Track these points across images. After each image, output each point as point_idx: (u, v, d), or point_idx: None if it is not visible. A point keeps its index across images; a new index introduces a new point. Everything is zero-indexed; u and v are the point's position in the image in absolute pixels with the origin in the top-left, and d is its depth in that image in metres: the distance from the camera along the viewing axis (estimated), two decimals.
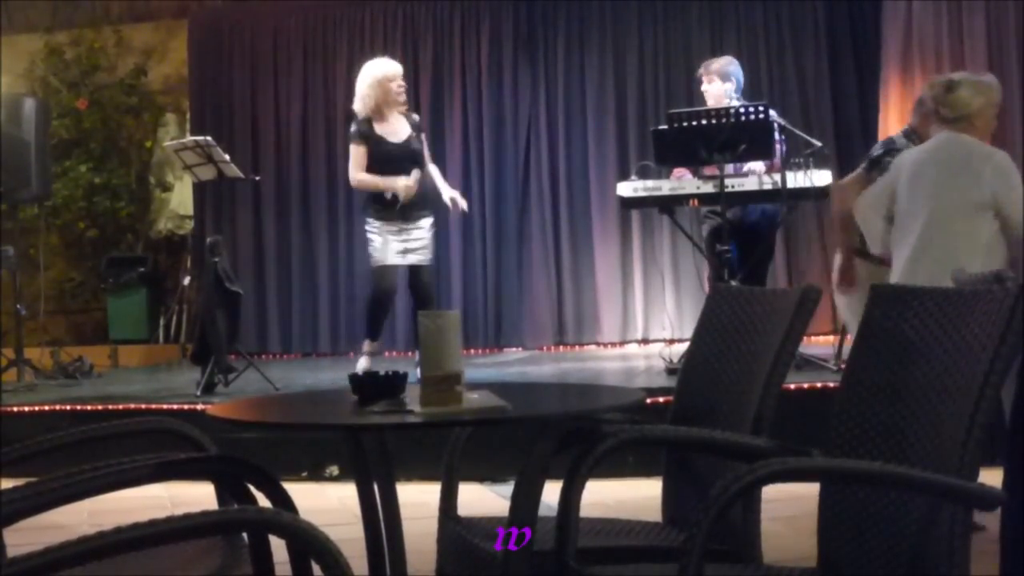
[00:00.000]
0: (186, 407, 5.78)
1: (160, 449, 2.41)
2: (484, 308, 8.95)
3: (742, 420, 2.51)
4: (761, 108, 6.01)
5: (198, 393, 6.13)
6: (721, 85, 6.49)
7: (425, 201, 6.56)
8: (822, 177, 6.13)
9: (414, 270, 6.50)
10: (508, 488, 3.68)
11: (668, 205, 6.50)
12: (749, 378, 2.57)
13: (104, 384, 7.43)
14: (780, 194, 6.10)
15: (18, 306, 7.71)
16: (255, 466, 2.29)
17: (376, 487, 2.51)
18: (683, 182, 6.39)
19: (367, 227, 6.54)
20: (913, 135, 4.80)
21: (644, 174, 6.54)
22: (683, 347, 5.86)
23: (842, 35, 8.62)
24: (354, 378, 2.51)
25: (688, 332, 3.38)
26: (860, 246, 4.85)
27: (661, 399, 4.71)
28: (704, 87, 6.60)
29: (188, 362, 7.12)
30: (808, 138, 6.38)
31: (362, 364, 6.52)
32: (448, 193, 6.57)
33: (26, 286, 8.63)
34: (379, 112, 6.50)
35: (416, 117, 6.71)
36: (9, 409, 6.09)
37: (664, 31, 8.88)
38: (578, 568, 2.27)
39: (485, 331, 8.93)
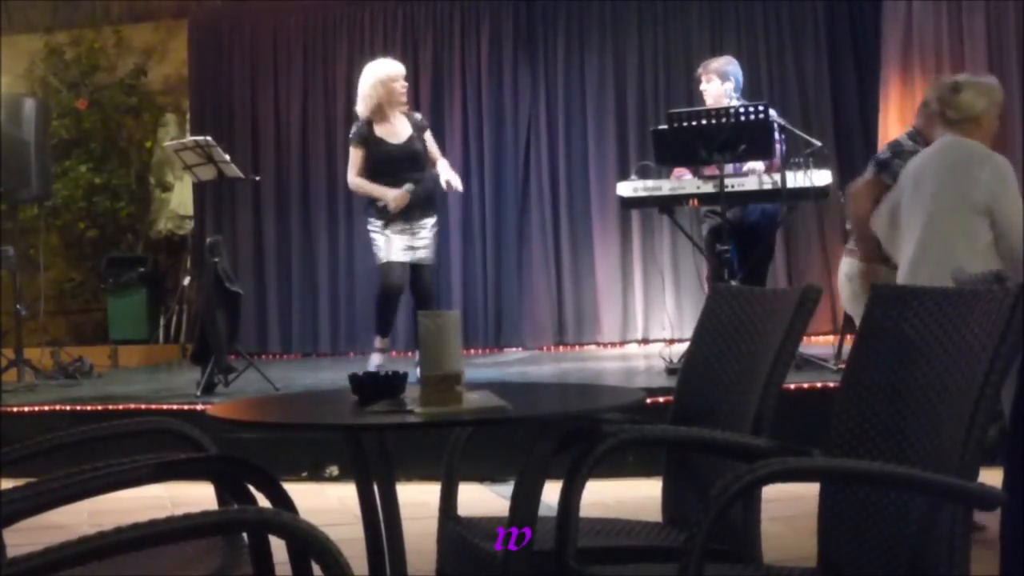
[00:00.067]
0: (186, 407, 5.79)
1: (160, 449, 2.41)
2: (484, 308, 8.95)
3: (742, 420, 2.51)
4: (761, 108, 6.01)
5: (198, 393, 6.13)
6: (720, 85, 6.50)
7: (428, 202, 6.56)
8: (822, 177, 6.14)
9: (416, 269, 6.50)
10: (508, 488, 3.68)
11: (668, 205, 6.50)
12: (749, 378, 2.57)
13: (104, 384, 7.43)
14: (780, 194, 6.10)
15: (18, 306, 7.71)
16: (255, 466, 2.29)
17: (376, 487, 2.51)
18: (683, 182, 6.39)
19: (369, 227, 6.54)
20: (918, 136, 4.79)
21: (644, 174, 6.54)
22: (683, 347, 5.86)
23: (842, 35, 8.62)
24: (354, 378, 2.52)
25: (688, 332, 3.38)
26: (879, 251, 4.84)
27: (661, 399, 4.71)
28: (703, 86, 6.60)
29: (188, 362, 7.11)
30: (808, 138, 6.39)
31: (375, 361, 6.53)
32: (445, 175, 6.52)
33: (26, 286, 8.63)
34: (381, 113, 6.50)
35: (418, 116, 6.71)
36: (9, 409, 6.09)
37: (664, 31, 8.88)
38: (578, 568, 2.27)
39: (485, 331, 8.93)
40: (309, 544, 1.79)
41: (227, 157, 6.57)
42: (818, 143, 6.31)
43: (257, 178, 8.17)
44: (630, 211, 8.08)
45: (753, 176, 6.23)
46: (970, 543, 2.01)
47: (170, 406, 5.92)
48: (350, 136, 6.65)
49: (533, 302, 8.90)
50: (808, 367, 5.99)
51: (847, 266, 5.13)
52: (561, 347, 8.86)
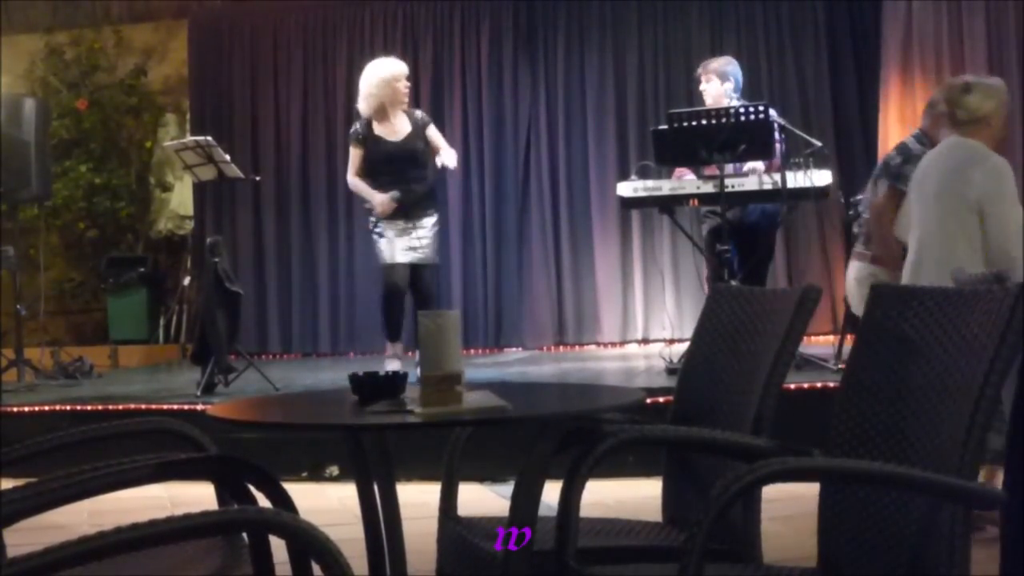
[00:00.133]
0: (186, 407, 5.78)
1: (160, 449, 2.41)
2: (484, 308, 8.95)
3: (742, 420, 2.51)
4: (761, 108, 6.01)
5: (198, 393, 6.13)
6: (719, 85, 6.50)
7: (429, 200, 6.57)
8: (822, 177, 6.13)
9: (416, 269, 6.51)
10: (508, 488, 3.68)
11: (668, 205, 6.50)
12: (749, 378, 2.57)
13: (104, 384, 7.43)
14: (780, 194, 6.10)
15: (18, 306, 7.71)
16: (255, 466, 2.29)
17: (376, 487, 2.51)
18: (683, 182, 6.39)
19: (371, 228, 6.55)
20: (924, 138, 4.78)
21: (644, 174, 6.54)
22: (683, 347, 5.86)
23: (842, 35, 8.62)
24: (354, 378, 2.52)
25: (688, 332, 3.38)
26: (902, 258, 4.83)
27: (661, 399, 4.71)
28: (702, 86, 6.61)
29: (188, 362, 7.11)
30: (808, 138, 6.38)
31: (393, 367, 6.52)
32: (440, 158, 6.48)
33: (26, 286, 8.63)
34: (383, 112, 6.51)
35: (419, 113, 6.71)
36: (9, 409, 6.09)
37: (664, 31, 8.88)
38: (578, 568, 2.27)
39: (485, 331, 8.92)
40: (309, 544, 1.79)
41: (227, 157, 6.57)
42: (818, 143, 6.30)
43: (257, 178, 8.17)
44: (630, 211, 8.08)
45: (753, 176, 6.23)
46: (970, 543, 2.01)
47: (170, 406, 5.92)
48: (349, 134, 6.67)
49: (533, 302, 8.90)
50: (808, 367, 5.99)
51: (856, 270, 5.11)
52: (561, 347, 8.86)
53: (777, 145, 6.07)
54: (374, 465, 2.51)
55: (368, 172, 6.55)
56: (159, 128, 9.91)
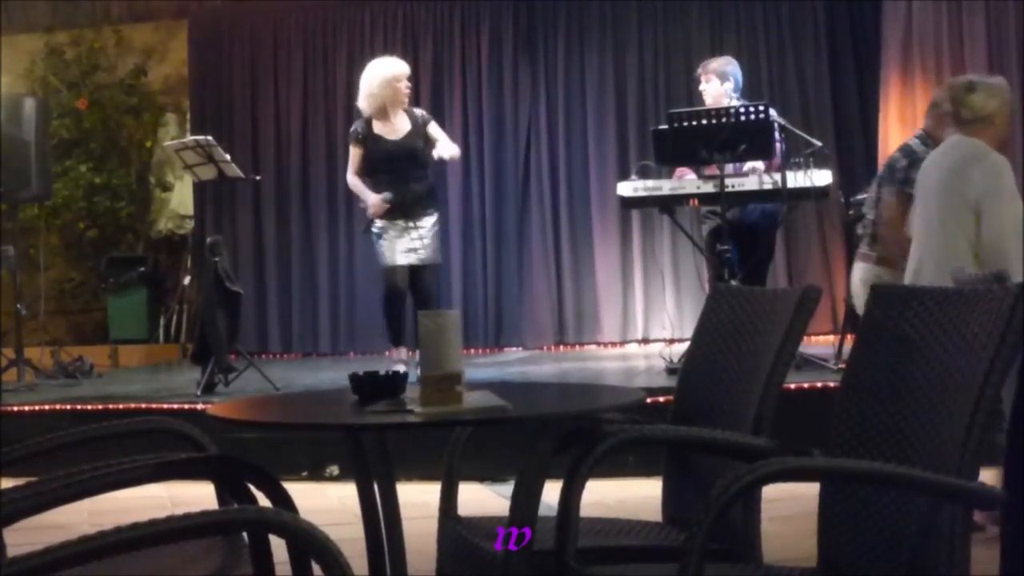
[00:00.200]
0: (186, 407, 5.78)
1: (160, 449, 2.41)
2: (484, 308, 8.95)
3: (742, 420, 2.51)
4: (761, 108, 6.01)
5: (198, 393, 6.13)
6: (719, 85, 6.49)
7: (429, 200, 6.57)
8: (822, 177, 6.13)
9: (415, 270, 6.51)
10: (508, 488, 3.68)
11: (668, 205, 6.50)
12: (749, 378, 2.57)
13: (104, 384, 7.42)
14: (780, 194, 6.10)
15: (18, 306, 7.70)
16: (255, 466, 2.29)
17: (376, 487, 2.51)
18: (683, 182, 6.39)
19: (372, 227, 6.56)
20: (928, 139, 4.76)
21: (644, 174, 6.54)
22: (683, 347, 5.86)
23: (842, 35, 8.62)
24: (354, 378, 2.52)
25: (688, 332, 3.38)
26: None
27: (661, 399, 4.71)
28: (702, 86, 6.61)
29: (188, 362, 7.12)
30: (808, 138, 6.38)
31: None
32: (438, 151, 6.48)
33: (26, 286, 8.62)
34: (383, 111, 6.51)
35: (420, 112, 6.70)
36: (9, 409, 6.09)
37: (664, 31, 8.88)
38: (578, 568, 2.27)
39: (485, 331, 8.93)
40: (309, 544, 1.79)
41: (227, 157, 6.57)
42: (818, 143, 6.30)
43: (257, 178, 8.16)
44: (630, 211, 8.08)
45: (753, 176, 6.22)
46: (970, 543, 2.01)
47: (170, 406, 5.92)
48: (349, 133, 6.69)
49: (533, 302, 8.90)
50: (808, 367, 5.99)
51: (861, 271, 5.10)
52: (561, 347, 8.86)
53: (777, 145, 6.07)
54: (374, 465, 2.52)
55: (367, 171, 6.56)
56: (159, 128, 9.91)
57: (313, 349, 9.21)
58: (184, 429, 2.63)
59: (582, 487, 2.31)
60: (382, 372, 2.57)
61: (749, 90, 7.35)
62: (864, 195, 6.43)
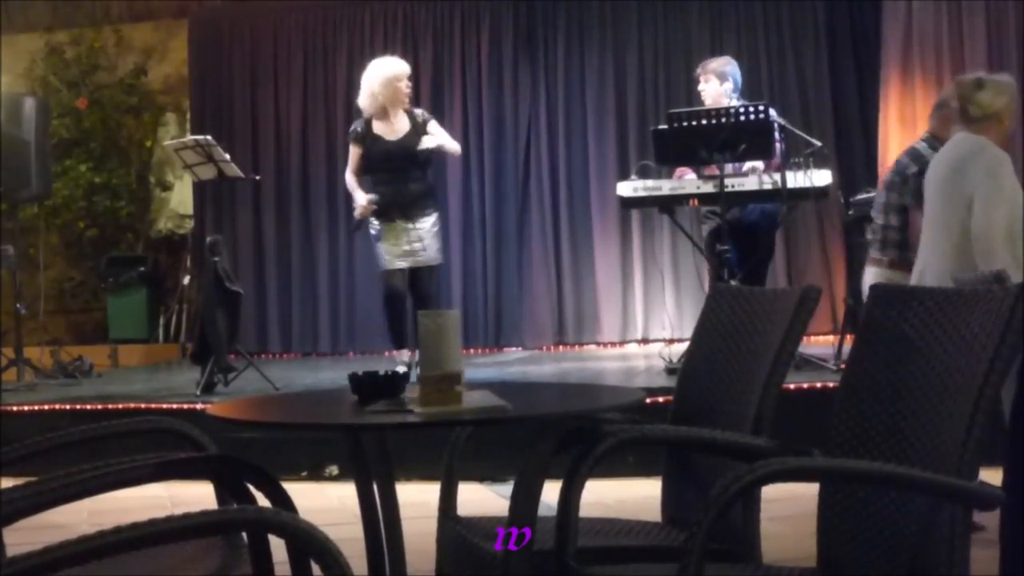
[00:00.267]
0: (186, 407, 5.78)
1: (160, 449, 2.41)
2: (484, 308, 8.95)
3: (742, 420, 2.51)
4: (761, 108, 6.01)
5: (198, 393, 6.13)
6: (718, 85, 6.49)
7: (428, 200, 6.56)
8: (822, 177, 6.13)
9: (414, 271, 6.51)
10: (508, 488, 3.67)
11: (668, 205, 6.50)
12: (749, 378, 2.57)
13: (104, 384, 7.42)
14: (780, 194, 6.10)
15: (18, 305, 7.70)
16: (255, 466, 2.29)
17: (376, 487, 2.51)
18: (683, 182, 6.39)
19: (371, 228, 6.57)
20: (934, 141, 4.75)
21: (644, 174, 6.54)
22: (683, 347, 5.86)
23: (842, 35, 8.62)
24: (354, 378, 2.51)
25: (688, 332, 3.38)
26: None
27: (661, 399, 4.71)
28: (701, 87, 6.60)
29: (188, 362, 7.11)
30: (808, 138, 6.38)
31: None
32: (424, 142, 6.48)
33: (26, 285, 8.62)
34: (383, 111, 6.52)
35: (420, 112, 6.70)
36: (9, 409, 6.09)
37: (664, 31, 8.87)
38: (578, 568, 2.27)
39: (485, 331, 8.92)
40: (309, 544, 1.79)
41: (227, 156, 6.57)
42: (818, 143, 6.30)
43: (257, 178, 8.17)
44: (630, 211, 8.08)
45: (753, 176, 6.22)
46: (970, 543, 2.01)
47: (170, 405, 5.92)
48: (349, 132, 6.70)
49: (533, 302, 8.90)
50: (808, 367, 5.99)
51: (872, 276, 5.07)
52: (561, 347, 8.86)
53: (777, 145, 6.07)
54: (374, 465, 2.51)
55: (366, 170, 6.57)
56: (159, 127, 9.91)
57: (313, 349, 9.21)
58: (184, 429, 2.63)
59: (582, 487, 2.31)
60: (382, 372, 2.56)
61: (749, 90, 7.35)
62: (864, 195, 6.44)
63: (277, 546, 2.06)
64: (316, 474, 5.59)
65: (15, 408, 6.12)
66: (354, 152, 6.58)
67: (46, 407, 6.12)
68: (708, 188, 6.21)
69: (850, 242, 7.90)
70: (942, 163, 4.24)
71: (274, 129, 9.35)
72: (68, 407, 6.09)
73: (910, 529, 2.06)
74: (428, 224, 6.51)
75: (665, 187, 6.41)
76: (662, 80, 8.83)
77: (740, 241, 6.28)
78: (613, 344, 8.76)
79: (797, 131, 6.43)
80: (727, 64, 6.62)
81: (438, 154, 6.64)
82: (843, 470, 2.17)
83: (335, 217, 9.14)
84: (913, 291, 2.31)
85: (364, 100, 6.55)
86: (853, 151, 8.40)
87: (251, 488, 2.28)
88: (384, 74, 6.51)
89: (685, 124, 6.01)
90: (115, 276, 9.41)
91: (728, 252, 6.05)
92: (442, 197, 8.16)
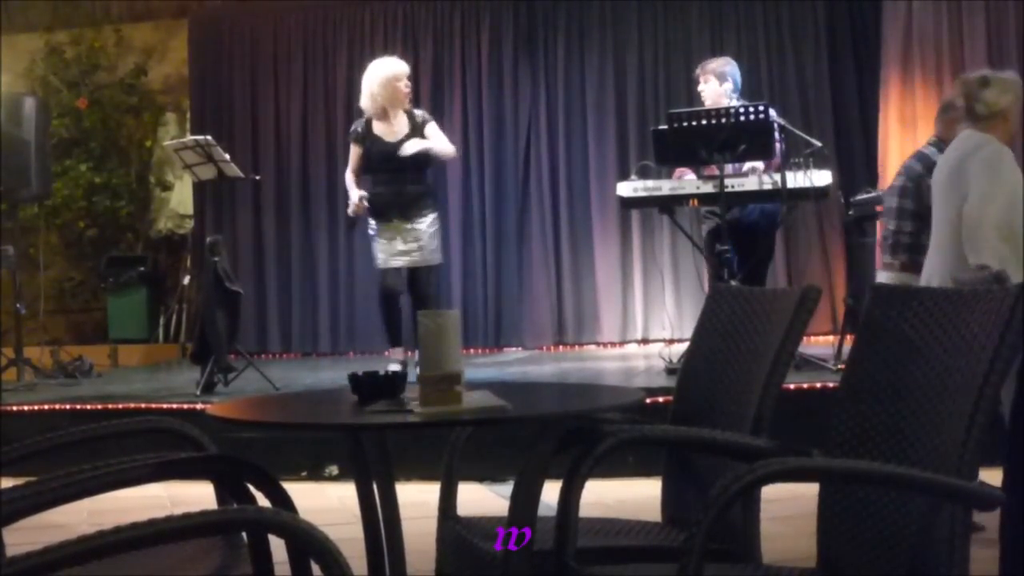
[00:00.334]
0: (186, 407, 5.78)
1: (160, 449, 2.41)
2: (484, 308, 8.95)
3: (742, 420, 2.51)
4: (761, 108, 6.01)
5: (198, 393, 6.13)
6: (718, 85, 6.49)
7: (426, 200, 6.57)
8: (822, 177, 6.13)
9: (412, 271, 6.52)
10: (508, 488, 3.67)
11: (668, 205, 6.50)
12: (749, 378, 2.57)
13: (104, 384, 7.42)
14: (780, 194, 6.10)
15: (18, 305, 7.70)
16: (255, 466, 2.29)
17: (376, 487, 2.50)
18: (683, 182, 6.39)
19: (369, 228, 6.58)
20: (941, 144, 4.74)
21: (644, 174, 6.54)
22: (683, 347, 5.86)
23: (842, 35, 8.61)
24: (354, 378, 2.51)
25: (688, 332, 3.38)
26: None
27: (661, 399, 4.71)
28: (700, 87, 6.60)
29: (188, 362, 7.11)
30: (808, 138, 6.38)
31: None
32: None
33: (26, 285, 8.62)
34: (383, 112, 6.52)
35: (420, 113, 6.71)
36: (9, 408, 6.09)
37: (664, 31, 8.87)
38: (578, 568, 2.27)
39: (485, 331, 8.92)
40: (308, 544, 1.79)
41: (227, 156, 6.57)
42: (818, 143, 6.30)
43: (257, 178, 8.17)
44: (630, 211, 8.08)
45: (753, 176, 6.22)
46: (970, 543, 2.01)
47: (170, 405, 5.92)
48: (349, 132, 6.72)
49: (533, 302, 8.90)
50: (808, 367, 5.99)
51: (888, 279, 5.07)
52: (561, 347, 8.85)
53: (777, 145, 6.06)
54: (374, 465, 2.51)
55: (366, 170, 6.61)
56: (159, 127, 9.90)
57: (313, 349, 9.21)
58: (184, 429, 2.63)
59: (582, 487, 2.31)
60: (382, 372, 2.56)
61: (749, 90, 7.34)
62: (864, 195, 6.44)
63: (277, 546, 2.06)
64: (316, 474, 5.59)
65: (15, 408, 6.12)
66: (354, 152, 6.61)
67: (46, 407, 6.12)
68: (708, 188, 6.21)
69: (850, 242, 7.89)
70: (946, 162, 4.24)
71: (274, 129, 9.35)
72: (68, 407, 6.09)
73: (910, 529, 2.06)
74: (426, 224, 6.52)
75: (665, 187, 6.41)
76: (662, 80, 8.83)
77: (740, 241, 6.28)
78: (613, 344, 8.76)
79: (797, 131, 6.43)
80: (727, 64, 6.62)
81: (432, 157, 6.61)
82: (843, 470, 2.17)
83: (335, 217, 9.14)
84: (913, 291, 2.31)
85: (364, 101, 6.58)
86: (853, 151, 8.39)
87: (251, 488, 2.28)
88: (382, 75, 6.52)
89: (685, 124, 6.01)
90: (115, 276, 9.41)
91: (728, 252, 6.05)
92: (442, 197, 8.16)
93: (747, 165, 6.31)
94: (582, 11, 8.96)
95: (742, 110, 5.99)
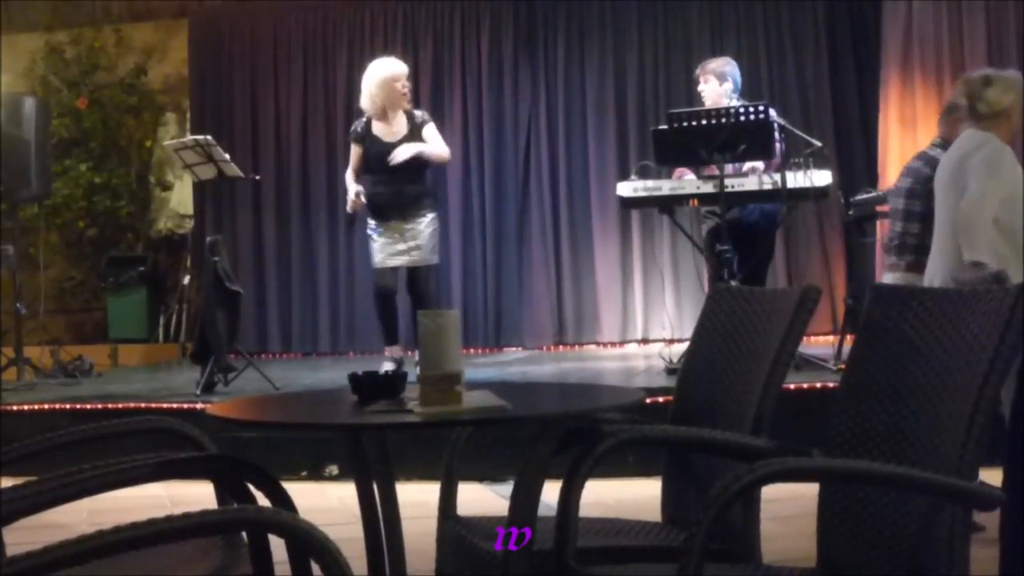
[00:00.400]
0: (186, 406, 5.78)
1: (160, 449, 2.41)
2: (484, 308, 8.95)
3: (742, 420, 2.51)
4: (761, 108, 6.01)
5: (198, 392, 6.13)
6: (718, 85, 6.49)
7: (424, 200, 6.57)
8: (822, 177, 6.13)
9: (410, 271, 6.53)
10: (508, 488, 3.68)
11: (668, 205, 6.50)
12: (749, 378, 2.57)
13: (104, 383, 7.42)
14: (780, 194, 6.10)
15: (18, 305, 7.70)
16: (255, 466, 2.29)
17: (376, 487, 2.50)
18: (683, 182, 6.39)
19: (368, 228, 6.59)
20: (945, 145, 4.74)
21: (644, 174, 6.54)
22: (683, 347, 5.86)
23: (842, 35, 8.61)
24: (354, 378, 2.51)
25: (688, 332, 3.38)
26: None
27: (661, 399, 4.71)
28: (700, 87, 6.60)
29: (188, 361, 7.11)
30: (808, 138, 6.38)
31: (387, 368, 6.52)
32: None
33: (26, 285, 8.62)
34: (383, 112, 6.53)
35: (419, 113, 6.71)
36: (9, 408, 6.09)
37: (664, 31, 8.87)
38: (578, 568, 2.27)
39: (485, 331, 8.92)
40: (308, 543, 1.79)
41: (227, 156, 6.57)
42: (818, 143, 6.30)
43: (257, 177, 8.17)
44: (630, 211, 8.08)
45: (753, 176, 6.22)
46: (970, 543, 2.01)
47: (170, 405, 5.92)
48: (349, 132, 6.73)
49: (533, 302, 8.90)
50: (808, 367, 5.99)
51: (894, 280, 5.08)
52: (561, 347, 8.85)
53: (777, 145, 6.07)
54: (374, 465, 2.51)
55: (366, 170, 6.62)
56: (159, 127, 9.90)
57: (313, 349, 9.21)
58: (184, 429, 2.63)
59: (582, 487, 2.31)
60: (381, 372, 2.56)
61: (749, 90, 7.34)
62: (864, 195, 6.44)
63: (277, 546, 2.06)
64: (316, 474, 5.59)
65: (15, 408, 6.12)
66: (354, 152, 6.63)
67: (46, 407, 6.12)
68: (708, 188, 6.21)
69: (850, 242, 7.90)
70: (948, 161, 4.24)
71: (274, 129, 9.35)
72: (68, 407, 6.09)
73: (910, 529, 2.06)
74: (424, 224, 6.52)
75: (665, 187, 6.41)
76: (662, 80, 8.83)
77: (740, 241, 6.28)
78: (613, 344, 8.76)
79: (797, 131, 6.42)
80: (727, 64, 6.62)
81: (426, 160, 6.59)
82: (843, 470, 2.17)
83: (335, 217, 9.14)
84: (913, 291, 2.31)
85: (364, 101, 6.59)
86: (853, 151, 8.39)
87: (251, 488, 2.28)
88: (381, 75, 6.53)
89: (685, 124, 6.00)
90: (115, 276, 9.41)
91: (728, 252, 6.05)
92: (442, 197, 8.16)
93: (747, 165, 6.31)
94: (582, 11, 8.96)
95: (742, 110, 5.99)
